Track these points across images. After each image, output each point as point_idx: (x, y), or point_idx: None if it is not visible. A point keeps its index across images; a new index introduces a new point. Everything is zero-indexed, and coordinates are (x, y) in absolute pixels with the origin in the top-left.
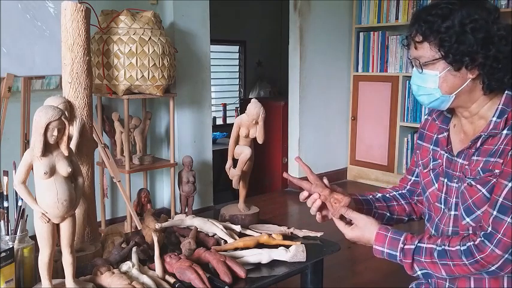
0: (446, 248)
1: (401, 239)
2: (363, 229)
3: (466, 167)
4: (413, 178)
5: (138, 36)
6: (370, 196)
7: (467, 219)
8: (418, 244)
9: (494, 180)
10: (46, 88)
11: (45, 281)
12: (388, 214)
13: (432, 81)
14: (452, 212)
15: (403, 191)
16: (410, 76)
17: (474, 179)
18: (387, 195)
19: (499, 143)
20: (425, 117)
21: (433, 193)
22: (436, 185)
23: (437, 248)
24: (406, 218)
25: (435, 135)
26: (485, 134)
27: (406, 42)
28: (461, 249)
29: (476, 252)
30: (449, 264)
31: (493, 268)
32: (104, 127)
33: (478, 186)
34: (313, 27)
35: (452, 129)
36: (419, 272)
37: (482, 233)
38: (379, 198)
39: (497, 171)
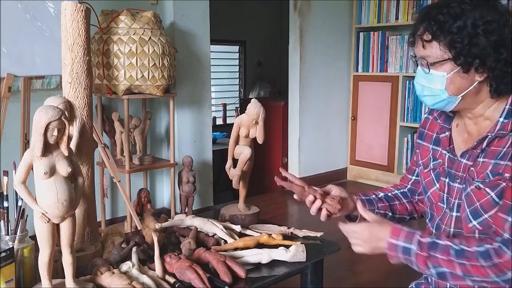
0: (464, 247)
1: (418, 232)
2: (373, 224)
3: (472, 168)
4: (413, 177)
5: (138, 36)
6: (373, 196)
7: (474, 222)
8: (436, 240)
9: (504, 184)
10: (46, 88)
11: (45, 281)
12: (390, 213)
13: (439, 82)
14: (454, 213)
15: (405, 190)
16: (411, 76)
17: (483, 182)
18: (389, 194)
19: (508, 145)
20: (426, 116)
21: (434, 193)
22: (438, 185)
23: (455, 247)
24: (408, 217)
25: (436, 135)
26: (492, 134)
27: (412, 40)
28: (479, 250)
29: (495, 256)
30: (466, 264)
31: (509, 274)
32: (104, 127)
33: (487, 189)
34: (313, 27)
35: (455, 128)
36: (432, 270)
37: (500, 239)
38: (382, 198)
39: (507, 175)
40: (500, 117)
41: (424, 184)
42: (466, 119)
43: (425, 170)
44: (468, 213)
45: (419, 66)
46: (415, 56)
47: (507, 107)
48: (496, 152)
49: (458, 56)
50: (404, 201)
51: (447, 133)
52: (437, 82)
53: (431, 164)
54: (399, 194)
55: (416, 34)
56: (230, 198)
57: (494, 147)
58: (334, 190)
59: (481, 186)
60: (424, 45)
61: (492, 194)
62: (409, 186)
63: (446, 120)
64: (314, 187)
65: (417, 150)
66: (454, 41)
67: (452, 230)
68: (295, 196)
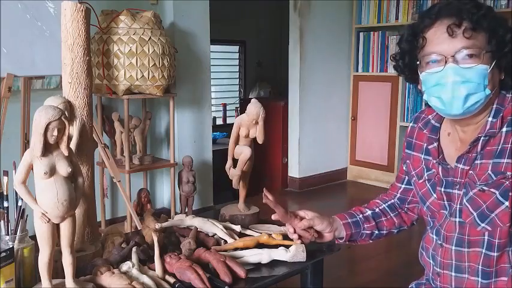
0: None
1: None
2: None
3: (471, 172)
4: (403, 186)
5: (138, 36)
6: (360, 216)
7: (483, 225)
8: None
9: (507, 182)
10: (46, 87)
11: (45, 281)
12: (376, 232)
13: (482, 76)
14: (457, 219)
15: (393, 201)
16: None
17: (486, 183)
18: (377, 211)
19: (502, 142)
20: (411, 125)
21: (434, 203)
22: (435, 195)
23: None
24: (396, 231)
25: (425, 145)
26: (483, 135)
27: (426, 35)
28: None
29: None
30: None
31: None
32: (104, 127)
33: (492, 189)
34: (313, 27)
35: (447, 137)
36: None
37: None
38: (368, 217)
39: (509, 173)
40: (489, 117)
41: (420, 195)
42: (458, 127)
43: (420, 181)
44: (476, 216)
45: (450, 63)
46: (425, 53)
47: (494, 106)
48: (492, 151)
49: (502, 47)
50: (391, 215)
51: (435, 144)
52: (481, 76)
53: (426, 174)
54: (386, 208)
55: (449, 26)
56: (230, 198)
57: (489, 147)
58: (317, 226)
59: (485, 188)
60: (469, 35)
61: (497, 193)
62: (398, 195)
63: (433, 130)
64: (295, 215)
65: (407, 161)
66: (495, 31)
67: (456, 235)
68: (273, 216)
